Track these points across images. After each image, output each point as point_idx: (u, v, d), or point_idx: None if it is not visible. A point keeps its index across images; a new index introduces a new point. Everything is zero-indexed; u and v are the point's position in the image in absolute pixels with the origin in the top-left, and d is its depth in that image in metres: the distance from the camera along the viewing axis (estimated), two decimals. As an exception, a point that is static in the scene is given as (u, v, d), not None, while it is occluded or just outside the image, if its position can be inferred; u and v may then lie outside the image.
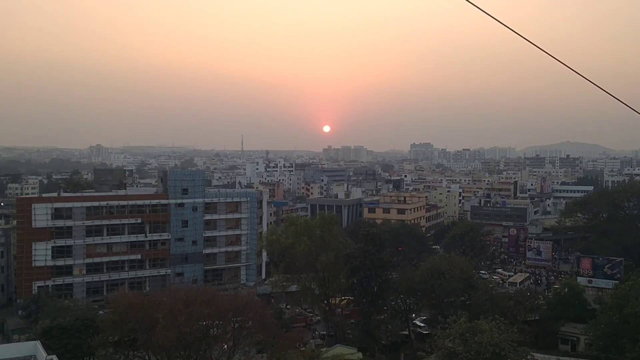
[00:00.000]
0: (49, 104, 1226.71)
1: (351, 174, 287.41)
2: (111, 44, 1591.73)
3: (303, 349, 56.93)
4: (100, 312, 68.24)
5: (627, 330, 53.25)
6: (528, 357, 40.71)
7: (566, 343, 70.68)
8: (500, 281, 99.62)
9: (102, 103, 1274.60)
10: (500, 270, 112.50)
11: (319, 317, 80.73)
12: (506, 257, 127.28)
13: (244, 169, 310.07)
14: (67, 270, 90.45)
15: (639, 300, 53.38)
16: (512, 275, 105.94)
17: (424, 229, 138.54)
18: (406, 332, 73.66)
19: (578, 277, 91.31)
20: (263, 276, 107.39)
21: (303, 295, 77.52)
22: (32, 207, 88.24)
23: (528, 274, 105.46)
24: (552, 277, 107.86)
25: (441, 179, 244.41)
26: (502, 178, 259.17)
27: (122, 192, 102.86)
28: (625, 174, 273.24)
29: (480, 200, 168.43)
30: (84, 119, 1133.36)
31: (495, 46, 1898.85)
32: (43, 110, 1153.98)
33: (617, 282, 79.70)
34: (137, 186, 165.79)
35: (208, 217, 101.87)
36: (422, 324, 75.68)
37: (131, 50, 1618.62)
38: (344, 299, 76.81)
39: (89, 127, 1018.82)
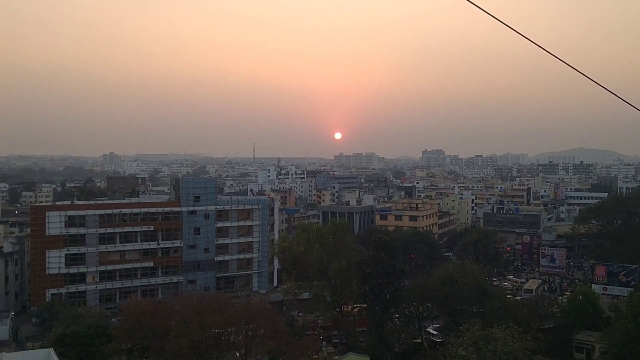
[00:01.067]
0: (63, 112, 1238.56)
1: (363, 180, 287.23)
2: (123, 52, 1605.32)
3: (315, 356, 56.76)
4: (113, 319, 68.47)
5: (643, 338, 52.59)
6: (542, 366, 40.34)
7: (581, 351, 69.86)
8: (513, 288, 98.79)
9: (115, 111, 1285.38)
10: (511, 277, 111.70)
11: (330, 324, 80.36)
12: (520, 264, 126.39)
13: (256, 176, 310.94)
14: (81, 278, 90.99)
15: (655, 308, 52.73)
16: (524, 282, 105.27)
17: (436, 236, 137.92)
18: (419, 340, 73.19)
19: (593, 285, 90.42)
20: (275, 283, 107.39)
21: (315, 302, 77.30)
22: (46, 215, 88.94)
23: (540, 280, 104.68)
24: (565, 283, 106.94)
25: (453, 186, 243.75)
26: (515, 185, 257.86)
27: (134, 200, 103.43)
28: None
29: (493, 207, 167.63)
30: (97, 127, 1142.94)
31: (508, 52, 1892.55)
32: (57, 118, 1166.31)
33: (632, 289, 78.81)
34: (149, 194, 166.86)
35: (220, 224, 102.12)
36: (435, 332, 75.13)
37: (143, 58, 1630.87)
38: (356, 307, 76.49)
39: (102, 136, 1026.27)
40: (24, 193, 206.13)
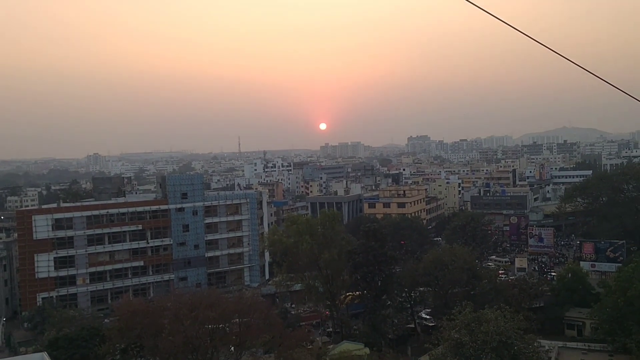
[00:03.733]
0: (44, 115, 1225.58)
1: (349, 170, 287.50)
2: (103, 52, 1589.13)
3: (310, 347, 56.98)
4: (105, 320, 68.32)
5: (632, 312, 53.34)
6: (535, 344, 40.75)
7: (572, 328, 70.75)
8: (500, 268, 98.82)
9: (97, 112, 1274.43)
10: (493, 257, 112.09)
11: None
12: (508, 245, 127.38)
13: (243, 171, 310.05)
14: (71, 281, 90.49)
15: (642, 282, 53.42)
16: (508, 262, 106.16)
17: (424, 221, 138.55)
18: (412, 325, 73.77)
19: (581, 262, 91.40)
20: (266, 276, 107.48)
21: (307, 293, 77.54)
22: (33, 219, 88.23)
23: (525, 259, 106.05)
24: (552, 263, 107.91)
25: (440, 171, 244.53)
26: (501, 167, 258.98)
27: (121, 200, 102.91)
28: (624, 157, 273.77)
29: (480, 190, 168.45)
30: (79, 128, 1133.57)
31: (487, 36, 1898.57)
32: (38, 121, 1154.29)
33: (620, 264, 79.81)
34: (136, 193, 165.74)
35: (209, 220, 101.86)
36: (427, 316, 75.75)
37: (123, 58, 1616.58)
38: (349, 295, 76.81)
39: (85, 137, 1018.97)
40: (9, 198, 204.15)
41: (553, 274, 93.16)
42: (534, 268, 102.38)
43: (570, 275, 75.99)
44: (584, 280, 75.56)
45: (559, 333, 68.90)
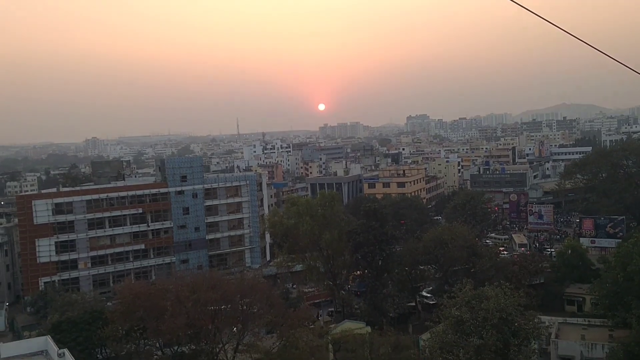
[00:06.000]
0: (42, 99, 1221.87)
1: (349, 150, 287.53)
2: (99, 36, 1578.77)
3: (312, 326, 57.33)
4: (108, 303, 68.56)
5: (632, 287, 53.50)
6: (535, 320, 40.92)
7: (572, 304, 71.16)
8: (500, 247, 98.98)
9: (94, 96, 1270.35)
10: (493, 234, 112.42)
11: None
12: (508, 223, 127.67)
13: (242, 153, 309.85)
14: (72, 265, 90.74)
15: (642, 257, 53.53)
16: (507, 239, 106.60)
17: (424, 200, 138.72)
18: (413, 304, 74.18)
19: (581, 238, 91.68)
20: (267, 258, 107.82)
21: (308, 274, 77.89)
22: (33, 204, 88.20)
23: (522, 235, 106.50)
24: (553, 238, 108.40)
25: (439, 150, 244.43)
26: (500, 145, 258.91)
27: (121, 184, 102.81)
28: (623, 133, 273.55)
29: (479, 168, 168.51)
30: (77, 113, 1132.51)
31: (487, 13, 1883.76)
32: (36, 107, 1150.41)
33: (620, 240, 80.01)
34: (135, 176, 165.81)
35: (209, 202, 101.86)
36: (428, 295, 76.12)
37: (120, 41, 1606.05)
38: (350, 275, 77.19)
39: (83, 121, 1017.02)
40: (8, 183, 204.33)
41: (550, 250, 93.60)
42: (535, 245, 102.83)
43: (570, 251, 76.31)
44: (584, 257, 75.89)
45: (559, 309, 69.31)
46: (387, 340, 49.38)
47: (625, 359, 43.89)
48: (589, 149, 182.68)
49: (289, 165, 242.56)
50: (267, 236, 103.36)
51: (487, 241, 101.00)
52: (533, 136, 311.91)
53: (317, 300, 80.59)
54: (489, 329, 36.41)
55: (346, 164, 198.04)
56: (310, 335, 50.03)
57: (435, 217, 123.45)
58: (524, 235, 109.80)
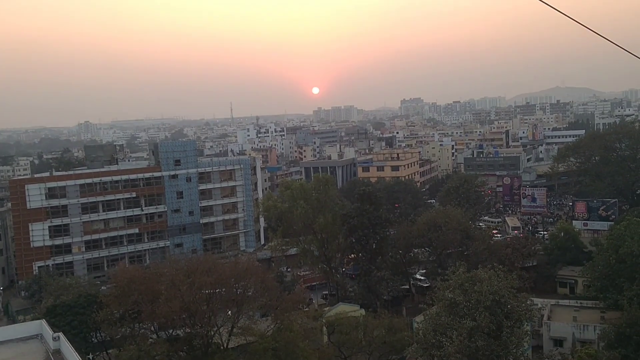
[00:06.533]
0: (34, 84, 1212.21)
1: (343, 134, 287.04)
2: (93, 20, 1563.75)
3: (307, 309, 57.57)
4: (102, 287, 68.64)
5: (624, 269, 54.01)
6: (528, 303, 41.18)
7: (564, 286, 71.79)
8: (493, 229, 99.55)
9: (86, 80, 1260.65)
10: (486, 217, 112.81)
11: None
12: (501, 206, 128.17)
13: (235, 137, 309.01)
14: (66, 249, 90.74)
15: (634, 240, 53.97)
16: (500, 222, 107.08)
17: (418, 184, 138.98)
18: (407, 287, 74.58)
19: (573, 221, 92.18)
20: (262, 242, 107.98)
21: (303, 257, 78.04)
22: (26, 188, 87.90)
23: (515, 218, 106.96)
24: (537, 220, 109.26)
25: (433, 133, 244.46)
26: (494, 128, 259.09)
27: (114, 168, 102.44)
28: (616, 116, 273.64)
29: (473, 151, 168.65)
30: (69, 97, 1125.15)
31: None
32: (28, 90, 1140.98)
33: (612, 223, 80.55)
34: (128, 160, 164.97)
35: (203, 186, 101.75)
36: (422, 277, 76.56)
37: (114, 25, 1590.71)
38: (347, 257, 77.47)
39: (76, 105, 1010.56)
40: (0, 167, 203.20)
41: (543, 232, 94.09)
42: (529, 228, 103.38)
43: (562, 234, 76.78)
44: (577, 239, 76.40)
45: (552, 291, 69.97)
46: (381, 323, 49.66)
47: (617, 340, 44.40)
48: (582, 132, 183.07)
49: (282, 149, 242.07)
50: (262, 220, 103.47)
51: (481, 224, 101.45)
52: (527, 119, 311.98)
53: (312, 284, 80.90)
54: (482, 311, 36.62)
55: (340, 148, 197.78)
56: (305, 318, 50.23)
57: (429, 201, 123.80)
58: (517, 218, 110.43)
